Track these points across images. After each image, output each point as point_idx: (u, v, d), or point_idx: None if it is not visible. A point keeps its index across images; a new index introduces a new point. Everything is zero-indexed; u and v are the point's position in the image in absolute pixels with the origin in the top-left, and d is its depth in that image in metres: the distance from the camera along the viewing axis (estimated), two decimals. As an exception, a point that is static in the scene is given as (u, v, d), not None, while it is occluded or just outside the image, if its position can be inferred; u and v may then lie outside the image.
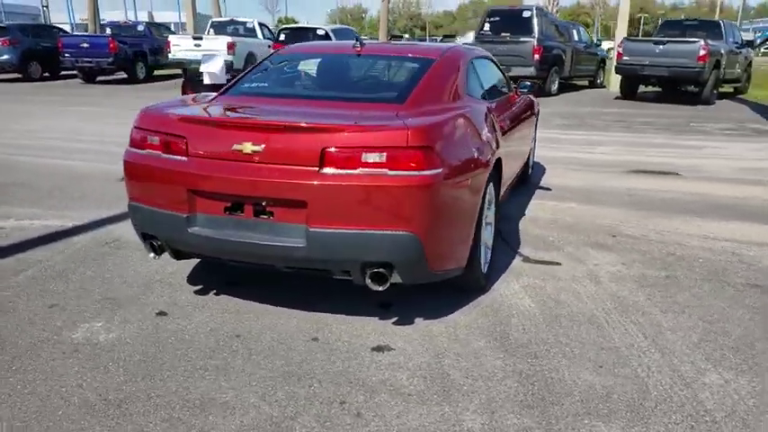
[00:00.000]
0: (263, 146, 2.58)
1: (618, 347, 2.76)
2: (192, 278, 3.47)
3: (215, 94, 3.36)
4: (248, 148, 2.60)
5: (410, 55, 3.64)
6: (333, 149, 2.52)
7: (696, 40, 12.93)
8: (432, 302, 3.14)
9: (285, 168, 2.58)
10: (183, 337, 2.81)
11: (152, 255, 3.03)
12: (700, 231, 4.48)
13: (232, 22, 18.56)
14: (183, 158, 2.74)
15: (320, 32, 15.58)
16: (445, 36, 34.45)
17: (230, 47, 16.10)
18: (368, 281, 2.65)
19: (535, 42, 14.12)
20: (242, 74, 3.58)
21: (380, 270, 2.60)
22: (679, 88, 14.21)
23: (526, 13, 14.36)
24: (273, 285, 3.34)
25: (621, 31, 16.60)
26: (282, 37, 15.94)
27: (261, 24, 18.69)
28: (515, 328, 2.93)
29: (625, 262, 3.84)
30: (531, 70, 14.06)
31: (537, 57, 14.21)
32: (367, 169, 2.50)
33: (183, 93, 4.50)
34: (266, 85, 3.50)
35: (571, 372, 2.55)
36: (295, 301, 3.14)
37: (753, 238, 4.34)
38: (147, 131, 2.87)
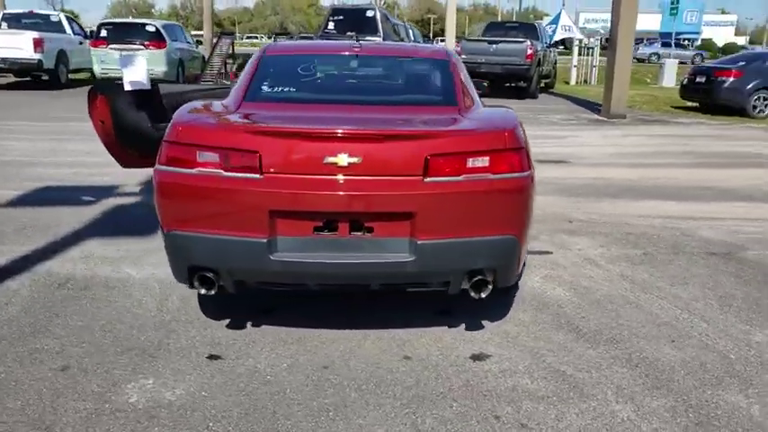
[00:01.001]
0: (360, 157, 2.39)
1: (670, 322, 3.06)
2: (212, 312, 3.06)
3: (232, 101, 2.98)
4: (344, 160, 2.38)
5: (418, 55, 3.59)
6: (437, 156, 2.42)
7: (523, 40, 14.43)
8: (481, 305, 3.15)
9: (387, 180, 2.42)
10: (265, 379, 2.49)
11: (204, 290, 2.62)
12: (629, 211, 5.09)
13: (32, 14, 16.15)
14: (257, 176, 2.42)
15: (150, 29, 14.28)
16: (278, 34, 33.29)
17: (38, 44, 14.03)
18: (470, 289, 2.60)
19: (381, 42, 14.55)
20: (245, 77, 3.22)
21: (484, 277, 2.57)
22: (507, 84, 15.73)
23: (369, 12, 14.72)
24: (309, 307, 3.09)
25: (450, 31, 17.84)
26: (104, 33, 14.31)
27: (68, 18, 16.56)
28: (575, 317, 3.09)
29: (602, 244, 4.23)
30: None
31: (381, 55, 14.68)
32: (472, 175, 2.46)
33: (92, 104, 3.86)
34: (294, 89, 3.19)
35: (656, 350, 2.78)
36: (347, 322, 2.95)
37: (673, 213, 5.05)
38: (195, 147, 2.47)
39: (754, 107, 12.22)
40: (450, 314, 3.07)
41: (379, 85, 3.45)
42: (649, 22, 62.45)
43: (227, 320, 2.98)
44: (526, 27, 16.64)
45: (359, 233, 2.46)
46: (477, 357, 2.69)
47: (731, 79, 12.32)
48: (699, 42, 55.11)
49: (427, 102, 3.07)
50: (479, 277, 2.56)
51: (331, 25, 15.07)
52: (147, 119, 4.71)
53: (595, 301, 3.28)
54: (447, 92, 3.10)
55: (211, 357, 2.65)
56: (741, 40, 65.87)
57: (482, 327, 2.97)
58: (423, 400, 2.36)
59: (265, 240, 2.44)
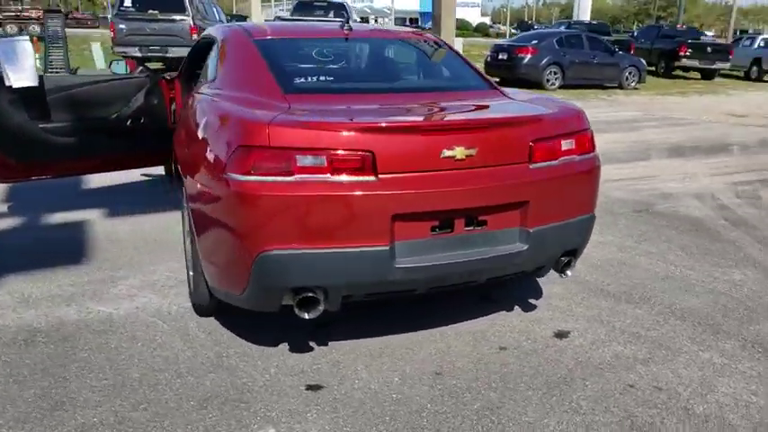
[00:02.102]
0: (476, 148, 2.29)
1: (667, 275, 3.50)
2: (262, 338, 2.68)
3: (267, 95, 2.58)
4: (461, 153, 2.27)
5: (416, 38, 3.47)
6: (539, 141, 2.43)
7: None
8: (513, 285, 3.25)
9: (501, 169, 2.37)
10: (393, 398, 2.29)
11: (307, 315, 2.28)
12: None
13: None
14: (372, 178, 2.17)
15: None
16: (233, 16, 27.32)
17: None
18: (561, 269, 2.67)
19: (191, 21, 13.48)
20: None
21: (572, 256, 2.67)
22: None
23: (173, -12, 13.48)
24: (357, 316, 2.88)
25: (256, 9, 17.21)
26: None
27: None
28: (596, 283, 3.36)
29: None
30: (189, 50, 13.41)
31: (195, 36, 13.61)
32: (564, 158, 2.52)
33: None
34: (330, 78, 2.85)
35: (683, 301, 3.17)
36: (408, 324, 2.83)
37: (625, 176, 5.71)
38: (294, 150, 2.13)
39: (548, 80, 14.04)
40: (492, 300, 3.11)
41: (408, 70, 3.28)
42: (411, 2, 67.62)
43: (286, 344, 2.65)
44: (335, 6, 16.75)
45: (475, 228, 2.37)
46: (559, 335, 2.79)
47: (528, 56, 13.97)
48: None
49: (473, 87, 3.01)
50: (570, 257, 2.65)
51: (128, 2, 13.54)
52: (32, 118, 3.89)
53: (596, 266, 3.59)
54: (478, 76, 3.08)
55: (311, 388, 2.35)
56: (487, 20, 74.79)
57: (534, 306, 3.07)
58: (557, 385, 2.39)
59: (387, 248, 2.22)
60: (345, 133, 2.17)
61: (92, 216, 4.32)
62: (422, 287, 2.41)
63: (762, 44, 20.51)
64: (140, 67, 4.49)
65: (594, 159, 2.67)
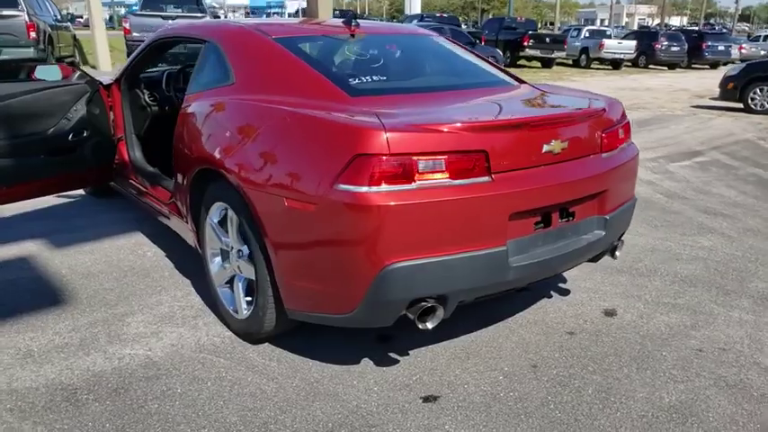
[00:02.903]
0: (567, 142, 2.38)
1: (655, 247, 3.86)
2: (333, 358, 2.54)
3: (330, 99, 2.41)
4: (558, 146, 2.34)
5: (424, 34, 3.44)
6: (606, 132, 2.58)
7: (214, 11, 13.79)
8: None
9: (585, 161, 2.47)
10: (520, 396, 2.30)
11: (425, 324, 2.20)
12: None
13: None
14: (487, 178, 2.16)
15: None
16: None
17: None
18: (612, 253, 2.83)
19: (26, 17, 11.98)
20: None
21: (620, 240, 2.85)
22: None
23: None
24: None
25: (96, 5, 15.61)
26: None
27: None
28: (608, 260, 3.61)
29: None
30: (29, 52, 11.95)
31: (33, 35, 12.13)
32: (621, 145, 2.70)
33: None
34: (383, 78, 2.70)
35: (690, 270, 3.52)
36: (465, 326, 2.86)
37: None
38: (415, 156, 2.04)
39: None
40: (527, 289, 3.20)
41: (444, 66, 3.22)
42: (240, -5, 66.24)
43: (367, 360, 2.53)
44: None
45: (565, 220, 2.44)
46: (608, 314, 2.98)
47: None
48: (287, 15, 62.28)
49: (508, 82, 3.06)
50: (620, 240, 2.83)
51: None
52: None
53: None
54: (493, 72, 3.14)
55: (428, 400, 2.28)
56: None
57: (567, 290, 3.24)
58: (642, 360, 2.57)
59: (504, 248, 2.22)
60: (460, 134, 2.13)
61: (36, 249, 3.74)
62: (524, 284, 2.44)
63: (587, 35, 23.03)
64: (78, 72, 3.93)
65: (635, 146, 2.87)
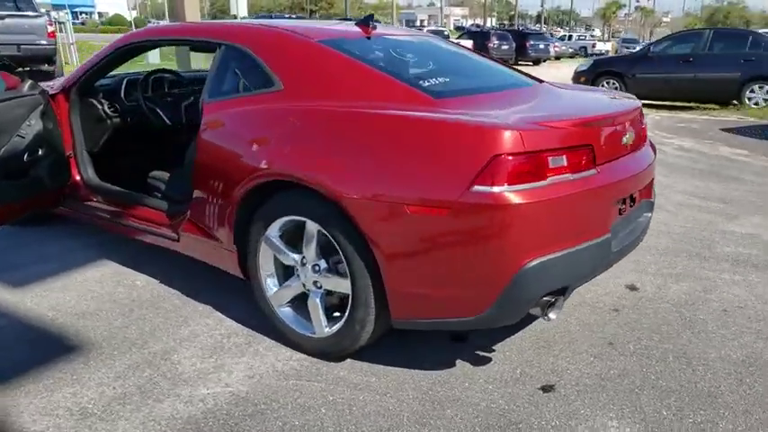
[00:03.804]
0: (633, 134, 2.58)
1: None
2: (428, 364, 2.51)
3: (435, 104, 2.35)
4: (630, 138, 2.53)
5: (427, 36, 3.41)
6: (642, 126, 2.82)
7: (42, 13, 12.31)
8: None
9: (642, 151, 2.70)
10: (622, 373, 2.45)
11: (549, 316, 2.25)
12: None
13: None
14: (594, 171, 2.28)
15: None
16: None
17: None
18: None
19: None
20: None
21: None
22: (25, 68, 13.13)
23: None
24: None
25: None
26: None
27: None
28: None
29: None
30: None
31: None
32: (648, 139, 2.97)
33: None
34: (445, 79, 2.62)
35: (685, 243, 3.94)
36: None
37: None
38: (546, 153, 2.09)
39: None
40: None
41: (475, 66, 3.20)
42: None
43: (461, 362, 2.54)
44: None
45: (632, 205, 2.64)
46: (632, 288, 3.26)
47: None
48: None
49: (537, 80, 3.17)
50: None
51: None
52: None
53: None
54: (511, 72, 3.26)
55: (546, 389, 2.34)
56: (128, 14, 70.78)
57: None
58: (691, 327, 2.86)
59: (610, 235, 2.35)
60: (574, 130, 2.22)
61: (12, 296, 3.16)
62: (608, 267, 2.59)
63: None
64: (28, 82, 3.33)
65: None
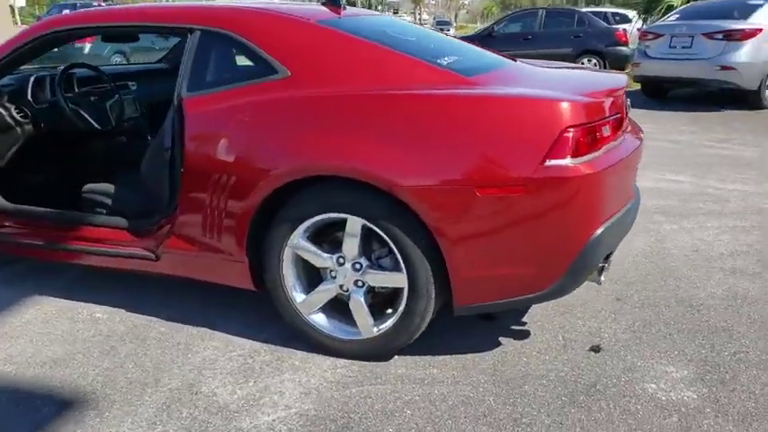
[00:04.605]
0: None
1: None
2: (468, 346, 2.51)
3: (469, 83, 2.28)
4: (628, 107, 2.71)
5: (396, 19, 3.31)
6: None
7: None
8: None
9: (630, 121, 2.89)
10: (667, 329, 2.64)
11: (600, 281, 2.35)
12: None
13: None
14: (621, 139, 2.43)
15: None
16: None
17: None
18: None
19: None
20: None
21: None
22: None
23: None
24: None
25: None
26: None
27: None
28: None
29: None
30: None
31: None
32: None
33: None
34: (455, 57, 2.52)
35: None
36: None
37: None
38: (602, 123, 2.19)
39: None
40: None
41: (455, 46, 3.09)
42: None
43: (508, 339, 2.57)
44: None
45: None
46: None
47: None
48: None
49: (509, 60, 3.21)
50: None
51: None
52: None
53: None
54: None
55: (595, 350, 2.46)
56: None
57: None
58: (675, 281, 3.16)
59: (635, 200, 2.53)
60: (609, 101, 2.32)
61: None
62: None
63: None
64: None
65: None
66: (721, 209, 4.12)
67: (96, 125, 3.25)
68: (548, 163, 2.05)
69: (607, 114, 2.26)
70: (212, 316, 2.79)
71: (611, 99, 2.36)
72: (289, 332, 2.58)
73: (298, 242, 2.37)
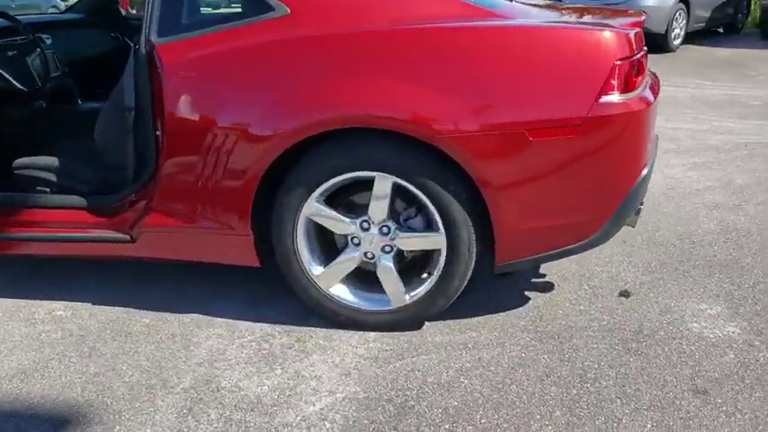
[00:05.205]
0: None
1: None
2: (495, 306, 2.39)
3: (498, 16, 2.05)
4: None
5: None
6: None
7: None
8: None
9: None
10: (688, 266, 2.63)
11: (635, 224, 2.28)
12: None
13: None
14: (648, 78, 2.33)
15: None
16: None
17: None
18: None
19: None
20: None
21: None
22: None
23: None
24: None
25: None
26: None
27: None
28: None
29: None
30: None
31: None
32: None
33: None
34: None
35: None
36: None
37: None
38: (638, 58, 2.06)
39: None
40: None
41: None
42: None
43: (537, 294, 2.46)
44: None
45: None
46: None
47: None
48: None
49: None
50: None
51: None
52: None
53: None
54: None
55: (624, 294, 2.41)
56: None
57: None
58: (663, 217, 3.19)
59: (657, 137, 2.47)
60: (637, 35, 2.20)
61: None
62: None
63: None
64: None
65: None
66: (677, 147, 4.24)
67: (19, 85, 2.72)
68: (603, 100, 1.91)
69: (642, 48, 2.15)
70: (202, 300, 2.47)
71: (639, 32, 2.25)
72: (300, 309, 2.32)
73: (315, 208, 2.10)
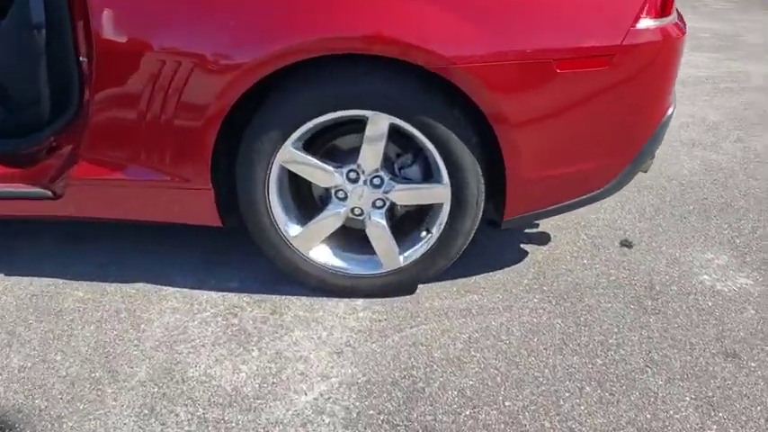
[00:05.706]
0: None
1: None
2: (490, 265, 2.14)
3: None
4: None
5: None
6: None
7: None
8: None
9: None
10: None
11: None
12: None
13: None
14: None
15: None
16: None
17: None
18: None
19: None
20: None
21: None
22: None
23: None
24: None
25: None
26: None
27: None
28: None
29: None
30: None
31: None
32: None
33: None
34: None
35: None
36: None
37: None
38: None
39: None
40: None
41: None
42: None
43: (536, 247, 2.22)
44: None
45: None
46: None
47: None
48: None
49: None
50: None
51: None
52: None
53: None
54: None
55: (625, 244, 2.22)
56: None
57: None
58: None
59: None
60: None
61: None
62: None
63: None
64: None
65: None
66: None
67: None
68: (639, 25, 1.63)
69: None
70: (148, 264, 2.07)
71: None
72: (270, 272, 1.99)
73: (292, 155, 1.73)
